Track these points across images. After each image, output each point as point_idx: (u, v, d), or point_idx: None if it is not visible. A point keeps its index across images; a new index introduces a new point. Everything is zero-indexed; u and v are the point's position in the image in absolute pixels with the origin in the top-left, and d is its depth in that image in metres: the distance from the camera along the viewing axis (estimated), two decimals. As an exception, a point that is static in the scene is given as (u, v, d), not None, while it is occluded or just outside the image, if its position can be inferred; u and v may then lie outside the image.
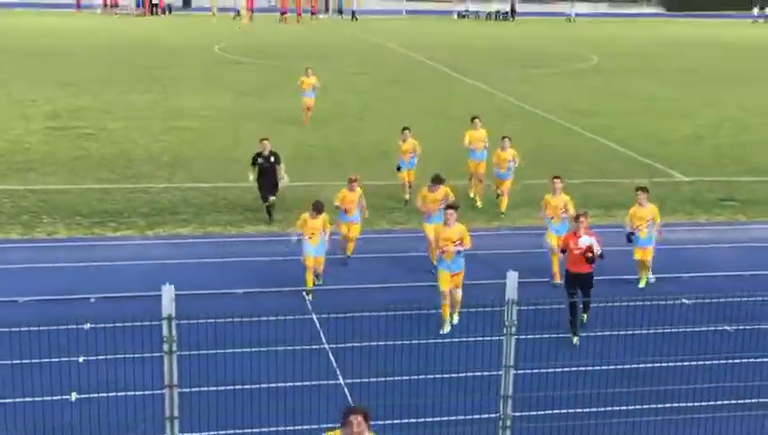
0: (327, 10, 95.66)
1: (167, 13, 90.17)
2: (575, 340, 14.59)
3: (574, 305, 14.53)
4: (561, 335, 14.38)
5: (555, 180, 17.65)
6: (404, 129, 23.51)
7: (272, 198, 20.88)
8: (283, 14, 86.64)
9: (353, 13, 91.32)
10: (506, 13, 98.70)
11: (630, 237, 17.01)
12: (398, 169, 23.02)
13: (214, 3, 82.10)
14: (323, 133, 31.92)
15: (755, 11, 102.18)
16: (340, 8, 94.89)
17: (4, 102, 36.16)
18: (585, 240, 14.57)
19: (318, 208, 16.51)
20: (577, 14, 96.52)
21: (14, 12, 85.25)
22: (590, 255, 14.45)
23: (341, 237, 18.31)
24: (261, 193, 21.03)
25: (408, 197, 22.75)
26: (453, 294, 15.14)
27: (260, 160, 20.79)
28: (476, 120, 23.67)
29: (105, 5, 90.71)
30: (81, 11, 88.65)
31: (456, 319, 15.26)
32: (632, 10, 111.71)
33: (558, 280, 16.84)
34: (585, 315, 15.18)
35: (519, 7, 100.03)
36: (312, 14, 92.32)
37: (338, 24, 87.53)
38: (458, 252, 14.85)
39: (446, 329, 15.01)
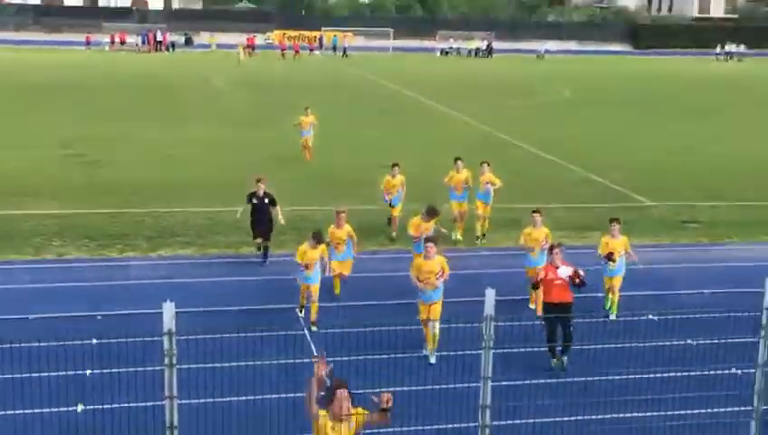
0: (321, 47, 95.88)
1: (170, 50, 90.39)
2: (554, 362, 14.07)
3: (554, 335, 13.89)
4: (536, 349, 14.34)
5: (535, 214, 17.07)
6: (394, 165, 22.05)
7: (263, 241, 19.48)
8: (282, 50, 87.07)
9: (344, 50, 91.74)
10: (484, 50, 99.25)
11: (610, 256, 16.21)
12: (392, 205, 21.72)
13: (213, 40, 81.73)
14: (312, 162, 31.91)
15: (718, 48, 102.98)
16: (335, 45, 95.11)
17: (20, 131, 36.11)
18: (564, 270, 14.06)
19: (318, 239, 15.88)
20: (547, 51, 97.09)
21: (30, 48, 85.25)
22: (578, 280, 13.96)
23: (334, 275, 17.14)
24: (253, 233, 19.70)
25: (395, 234, 21.68)
26: (431, 328, 14.39)
27: (254, 201, 19.49)
28: (459, 162, 21.82)
29: (112, 43, 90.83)
30: (91, 48, 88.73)
31: (433, 359, 14.35)
32: (601, 47, 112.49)
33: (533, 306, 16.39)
34: (565, 358, 14.08)
35: (496, 45, 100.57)
36: (310, 50, 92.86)
37: (331, 60, 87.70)
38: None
39: (431, 359, 14.38)
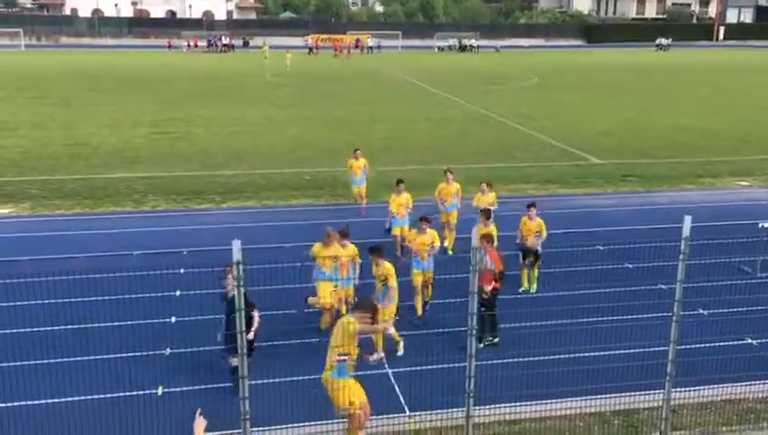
0: (354, 47, 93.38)
1: (231, 51, 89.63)
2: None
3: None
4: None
5: (531, 208, 14.20)
6: (398, 181, 16.07)
7: (233, 360, 9.59)
8: (335, 50, 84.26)
9: (372, 48, 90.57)
10: (472, 46, 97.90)
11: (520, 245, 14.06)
12: (389, 230, 16.29)
13: (265, 48, 75.59)
14: (339, 134, 31.85)
15: (657, 40, 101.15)
16: (372, 46, 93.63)
17: (119, 115, 36.12)
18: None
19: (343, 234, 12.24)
20: (517, 46, 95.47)
21: (125, 51, 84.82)
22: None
23: (319, 306, 12.01)
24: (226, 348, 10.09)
25: (399, 253, 15.08)
26: (425, 289, 12.70)
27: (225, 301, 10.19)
28: (449, 174, 16.44)
29: (188, 46, 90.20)
30: (172, 50, 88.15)
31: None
32: (561, 42, 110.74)
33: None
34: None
35: (480, 42, 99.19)
36: (356, 47, 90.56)
37: (366, 57, 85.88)
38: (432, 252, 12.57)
39: (419, 312, 12.58)
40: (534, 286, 14.06)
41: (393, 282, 11.10)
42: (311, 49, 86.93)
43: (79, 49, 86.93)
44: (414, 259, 12.70)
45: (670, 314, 8.74)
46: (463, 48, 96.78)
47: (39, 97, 42.31)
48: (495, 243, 12.58)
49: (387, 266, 11.15)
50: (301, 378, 10.30)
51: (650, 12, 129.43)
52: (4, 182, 22.40)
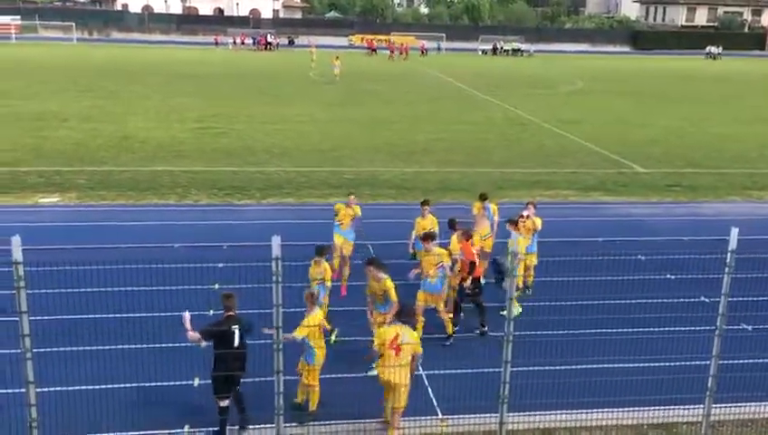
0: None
1: (276, 49, 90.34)
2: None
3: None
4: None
5: (529, 206, 14.04)
6: (424, 202, 14.42)
7: (223, 404, 8.95)
8: (391, 52, 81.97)
9: (426, 50, 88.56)
10: (517, 50, 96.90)
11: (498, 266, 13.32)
12: (414, 256, 13.93)
13: (313, 48, 69.14)
14: (381, 134, 31.87)
15: (707, 49, 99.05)
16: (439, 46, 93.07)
17: (165, 110, 36.71)
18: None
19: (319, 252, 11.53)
20: (563, 51, 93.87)
21: (174, 47, 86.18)
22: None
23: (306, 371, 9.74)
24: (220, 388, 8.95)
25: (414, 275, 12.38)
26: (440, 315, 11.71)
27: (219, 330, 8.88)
28: (425, 207, 14.22)
29: (234, 43, 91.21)
30: (218, 47, 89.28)
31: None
32: (607, 48, 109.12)
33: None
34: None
35: (524, 47, 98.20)
36: (399, 52, 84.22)
37: (421, 59, 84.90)
38: (442, 272, 11.66)
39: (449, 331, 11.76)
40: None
41: (393, 297, 10.40)
42: (374, 50, 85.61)
43: (129, 44, 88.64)
44: (422, 282, 11.74)
45: (712, 327, 8.54)
46: (495, 51, 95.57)
47: (89, 90, 43.25)
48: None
49: (387, 284, 10.45)
50: (336, 376, 10.31)
51: (700, 19, 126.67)
52: (53, 172, 22.94)
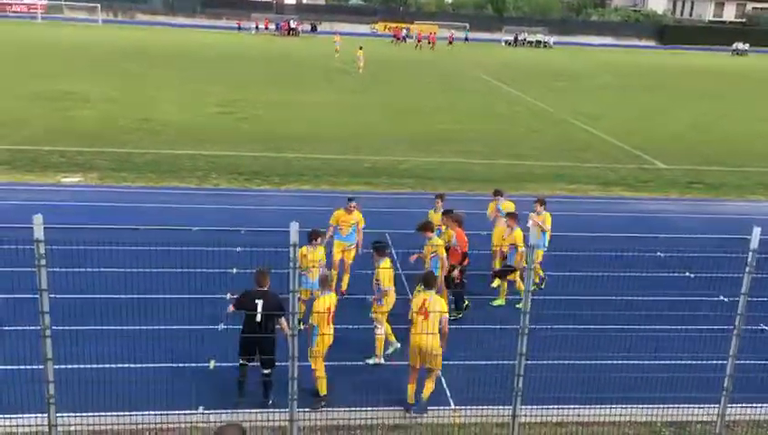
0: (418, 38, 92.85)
1: (298, 35, 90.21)
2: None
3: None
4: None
5: (538, 201, 13.98)
6: (438, 196, 13.91)
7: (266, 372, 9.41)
8: (418, 41, 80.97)
9: (451, 41, 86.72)
10: (539, 41, 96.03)
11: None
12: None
13: (337, 37, 65.29)
14: (402, 122, 31.80)
15: (734, 45, 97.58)
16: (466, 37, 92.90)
17: (187, 94, 36.88)
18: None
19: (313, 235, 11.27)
20: (587, 44, 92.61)
21: (197, 30, 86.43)
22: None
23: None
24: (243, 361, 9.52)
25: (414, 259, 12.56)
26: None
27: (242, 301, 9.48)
28: (439, 201, 13.67)
29: (257, 28, 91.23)
30: (241, 31, 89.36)
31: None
32: (633, 42, 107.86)
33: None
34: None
35: (548, 38, 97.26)
36: (450, 40, 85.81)
37: (448, 48, 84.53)
38: (434, 263, 11.66)
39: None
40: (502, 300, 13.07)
41: (388, 284, 10.58)
42: (400, 39, 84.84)
43: (153, 26, 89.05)
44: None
45: (731, 327, 8.46)
46: (516, 43, 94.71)
47: (113, 72, 43.52)
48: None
49: (381, 270, 10.54)
50: (343, 363, 10.35)
51: (729, 15, 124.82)
52: (76, 152, 23.16)
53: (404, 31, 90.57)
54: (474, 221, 14.27)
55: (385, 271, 10.63)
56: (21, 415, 8.56)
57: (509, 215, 13.22)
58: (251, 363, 9.37)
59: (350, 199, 13.09)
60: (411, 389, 9.53)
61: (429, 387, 9.48)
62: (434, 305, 9.33)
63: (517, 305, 11.10)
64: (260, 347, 9.25)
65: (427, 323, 9.24)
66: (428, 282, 9.65)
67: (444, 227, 12.67)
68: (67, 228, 15.16)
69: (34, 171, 20.69)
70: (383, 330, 10.77)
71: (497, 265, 13.63)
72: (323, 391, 9.57)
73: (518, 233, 12.85)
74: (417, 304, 9.48)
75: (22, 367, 9.48)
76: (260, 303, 9.20)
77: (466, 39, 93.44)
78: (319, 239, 11.43)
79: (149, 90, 37.37)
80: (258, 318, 9.17)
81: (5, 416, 8.57)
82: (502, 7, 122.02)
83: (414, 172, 22.96)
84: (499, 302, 13.04)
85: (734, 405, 9.00)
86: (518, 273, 12.78)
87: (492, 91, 45.82)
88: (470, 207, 15.51)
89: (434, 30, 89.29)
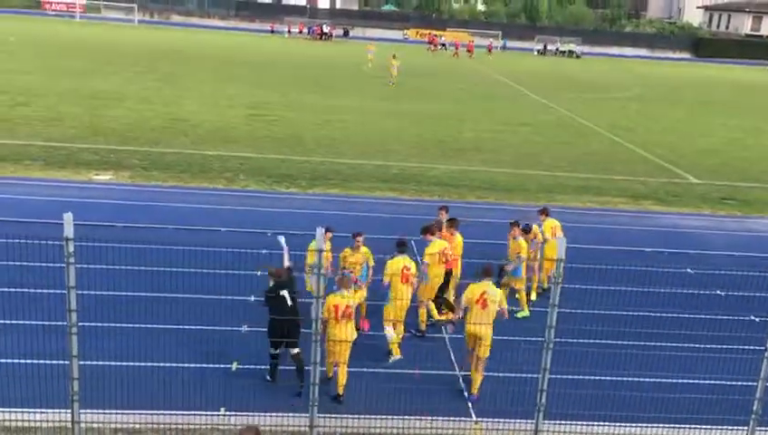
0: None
1: (330, 39, 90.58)
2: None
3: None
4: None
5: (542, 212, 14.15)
6: (513, 223, 13.20)
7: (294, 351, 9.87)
8: (456, 48, 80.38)
9: (490, 49, 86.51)
10: (572, 51, 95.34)
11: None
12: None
13: (370, 46, 62.13)
14: (431, 130, 31.73)
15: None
16: (505, 45, 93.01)
17: (218, 97, 37.17)
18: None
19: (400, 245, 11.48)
20: (621, 55, 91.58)
21: (232, 33, 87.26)
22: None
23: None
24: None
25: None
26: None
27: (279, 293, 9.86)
28: (358, 238, 11.99)
29: (289, 31, 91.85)
30: (274, 34, 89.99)
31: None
32: (667, 54, 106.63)
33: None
34: None
35: (581, 49, 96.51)
36: (489, 48, 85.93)
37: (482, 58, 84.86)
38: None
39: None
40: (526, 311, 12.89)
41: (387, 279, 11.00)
42: (437, 45, 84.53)
43: (187, 28, 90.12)
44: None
45: (762, 348, 8.28)
46: (545, 52, 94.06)
47: (146, 72, 44.09)
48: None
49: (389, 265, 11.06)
50: (365, 370, 10.31)
51: (766, 29, 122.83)
52: (108, 151, 23.46)
53: (441, 38, 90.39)
54: (500, 230, 14.15)
55: (388, 264, 10.97)
56: (44, 410, 8.65)
57: (514, 224, 13.02)
58: (279, 349, 9.91)
59: (356, 235, 11.87)
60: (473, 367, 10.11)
61: (479, 378, 10.00)
62: (493, 296, 9.93)
63: (517, 315, 12.10)
64: (289, 329, 9.71)
65: (483, 313, 9.80)
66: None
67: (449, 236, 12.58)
68: (97, 225, 15.39)
69: (67, 168, 21.00)
70: (391, 332, 10.85)
71: (544, 280, 13.84)
72: (340, 388, 9.74)
73: (522, 243, 12.85)
74: (475, 293, 9.94)
75: (47, 362, 9.59)
76: (285, 292, 9.79)
77: (504, 47, 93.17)
78: (360, 238, 11.82)
79: (182, 90, 37.77)
80: (289, 303, 9.79)
81: (29, 410, 8.67)
82: (535, 16, 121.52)
83: (441, 180, 22.89)
84: (524, 313, 12.91)
85: (763, 428, 8.80)
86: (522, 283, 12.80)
87: (521, 99, 45.56)
88: (500, 217, 15.38)
89: (469, 39, 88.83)
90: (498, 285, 12.39)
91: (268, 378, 10.05)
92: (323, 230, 7.76)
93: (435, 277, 11.94)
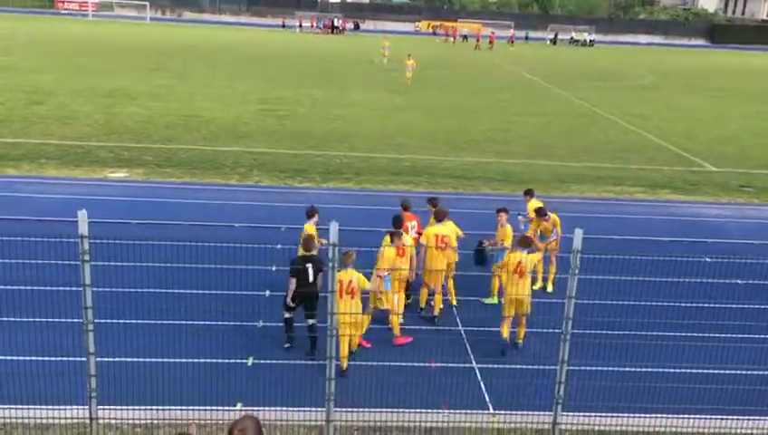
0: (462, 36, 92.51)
1: (342, 33, 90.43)
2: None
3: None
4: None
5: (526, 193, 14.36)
6: (501, 209, 12.99)
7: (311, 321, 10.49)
8: (477, 40, 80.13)
9: (512, 40, 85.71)
10: (585, 40, 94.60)
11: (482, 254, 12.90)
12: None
13: (385, 41, 58.88)
14: (444, 122, 31.61)
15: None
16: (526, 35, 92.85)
17: (230, 92, 37.23)
18: None
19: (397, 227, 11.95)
20: (635, 43, 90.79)
21: (242, 28, 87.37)
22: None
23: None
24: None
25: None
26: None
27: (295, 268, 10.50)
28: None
29: (300, 26, 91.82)
30: (285, 29, 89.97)
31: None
32: (682, 41, 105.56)
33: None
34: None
35: (595, 37, 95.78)
36: (512, 40, 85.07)
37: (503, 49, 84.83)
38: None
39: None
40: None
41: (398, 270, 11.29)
42: (463, 37, 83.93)
43: (199, 24, 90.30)
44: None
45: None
46: (555, 42, 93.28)
47: (159, 69, 44.23)
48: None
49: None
50: (380, 364, 10.27)
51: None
52: (122, 148, 23.57)
53: (463, 30, 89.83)
54: (512, 221, 14.05)
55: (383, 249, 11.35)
56: (62, 406, 8.70)
57: (501, 210, 12.82)
58: (292, 314, 10.61)
59: (392, 233, 11.62)
60: (506, 331, 10.82)
61: (522, 330, 11.03)
62: (528, 265, 10.73)
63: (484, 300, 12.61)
64: (308, 299, 10.41)
65: (521, 281, 10.57)
66: (524, 243, 10.95)
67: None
68: (112, 223, 15.46)
69: (82, 166, 21.11)
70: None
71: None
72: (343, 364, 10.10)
73: (508, 230, 12.65)
74: (512, 262, 10.69)
75: (65, 359, 9.64)
76: (310, 266, 10.41)
77: (527, 38, 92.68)
78: (405, 233, 12.02)
79: (194, 87, 37.85)
80: (311, 278, 10.38)
81: (47, 407, 8.72)
82: (548, 5, 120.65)
83: (454, 172, 22.79)
84: (491, 301, 12.72)
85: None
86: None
87: (534, 89, 45.26)
88: (513, 208, 15.26)
89: (490, 30, 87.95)
90: (477, 253, 13.05)
91: (286, 345, 10.72)
92: (336, 225, 7.72)
93: (437, 263, 11.89)
